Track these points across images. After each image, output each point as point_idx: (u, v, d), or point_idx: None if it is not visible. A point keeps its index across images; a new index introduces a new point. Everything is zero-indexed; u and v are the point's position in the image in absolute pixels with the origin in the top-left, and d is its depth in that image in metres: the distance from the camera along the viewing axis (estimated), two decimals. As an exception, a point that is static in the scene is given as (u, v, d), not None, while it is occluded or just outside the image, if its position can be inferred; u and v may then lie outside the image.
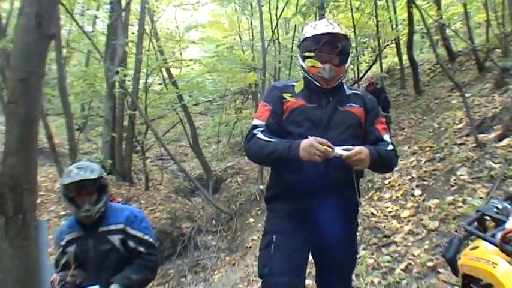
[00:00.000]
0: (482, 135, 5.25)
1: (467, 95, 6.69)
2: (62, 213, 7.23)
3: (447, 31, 11.02)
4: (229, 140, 14.61)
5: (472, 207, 3.89)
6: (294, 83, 2.10)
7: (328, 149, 1.86)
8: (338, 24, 2.19)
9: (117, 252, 2.38)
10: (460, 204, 4.20)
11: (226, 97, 14.78)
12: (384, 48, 12.98)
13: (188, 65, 13.59)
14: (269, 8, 11.47)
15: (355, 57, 11.82)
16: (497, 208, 1.71)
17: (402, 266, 3.76)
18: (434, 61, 11.58)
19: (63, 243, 2.39)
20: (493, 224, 1.75)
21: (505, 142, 4.76)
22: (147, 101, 10.38)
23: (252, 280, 5.00)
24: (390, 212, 4.92)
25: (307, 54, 2.06)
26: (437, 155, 5.56)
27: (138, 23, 10.48)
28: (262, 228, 2.24)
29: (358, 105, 2.17)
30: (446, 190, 4.63)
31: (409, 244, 4.08)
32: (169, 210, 9.27)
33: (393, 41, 12.26)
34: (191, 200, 10.93)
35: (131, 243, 2.39)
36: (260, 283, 2.10)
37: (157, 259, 2.49)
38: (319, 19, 10.21)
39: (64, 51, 10.17)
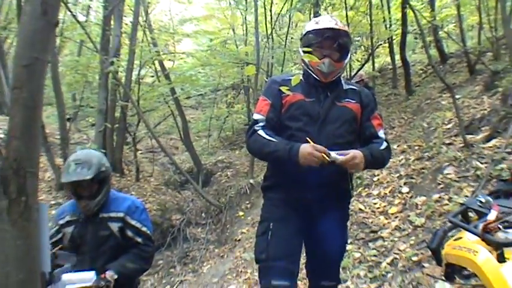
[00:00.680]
0: (470, 135, 5.37)
1: (457, 96, 6.80)
2: (53, 202, 7.22)
3: (440, 33, 11.15)
4: (220, 134, 14.63)
5: (458, 205, 3.99)
6: (292, 77, 2.17)
7: (326, 157, 1.93)
8: (341, 21, 2.26)
9: (114, 239, 2.43)
10: (446, 202, 4.31)
11: (218, 91, 14.79)
12: (377, 47, 13.08)
13: (181, 58, 13.56)
14: (264, 3, 11.50)
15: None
16: (481, 202, 1.79)
17: (388, 260, 3.86)
18: (426, 62, 11.70)
19: (61, 222, 2.44)
20: (476, 217, 1.84)
21: (492, 143, 4.88)
22: (139, 93, 10.35)
23: (241, 271, 5.07)
24: (378, 208, 5.02)
25: (305, 49, 2.13)
26: (426, 154, 5.67)
27: (132, 14, 10.42)
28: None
29: (354, 101, 2.24)
30: (433, 188, 4.74)
31: (396, 239, 4.18)
32: (160, 202, 9.29)
33: (386, 41, 12.36)
34: (181, 192, 10.95)
35: (129, 233, 2.44)
36: (257, 268, 2.19)
37: (153, 251, 2.55)
38: (314, 16, 10.32)
39: (57, 40, 10.11)
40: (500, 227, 1.54)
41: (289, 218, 2.18)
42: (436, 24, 9.61)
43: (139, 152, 13.41)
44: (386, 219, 4.69)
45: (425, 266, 3.48)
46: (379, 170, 5.85)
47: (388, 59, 13.03)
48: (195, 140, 14.29)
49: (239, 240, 6.59)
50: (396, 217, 4.62)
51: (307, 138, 2.01)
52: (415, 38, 14.70)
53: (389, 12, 12.28)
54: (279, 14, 10.44)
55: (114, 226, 2.43)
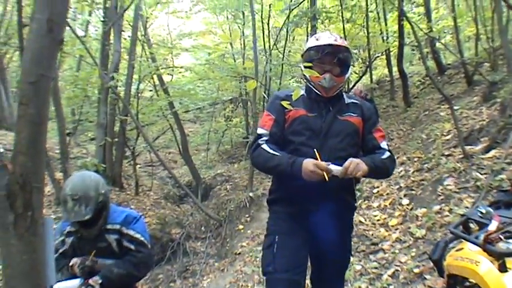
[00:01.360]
0: (470, 146, 5.39)
1: (455, 107, 6.85)
2: (53, 216, 7.19)
3: (437, 44, 11.25)
4: (219, 148, 14.65)
5: (458, 216, 4.00)
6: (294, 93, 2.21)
7: (326, 173, 1.96)
8: (340, 37, 2.31)
9: (111, 250, 2.44)
10: (447, 213, 4.32)
11: (216, 105, 14.84)
12: (374, 59, 13.19)
13: (180, 72, 13.64)
14: (261, 17, 11.61)
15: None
16: (481, 213, 1.81)
17: (389, 272, 3.86)
18: (423, 73, 11.79)
19: (65, 232, 2.47)
20: (477, 227, 1.86)
21: (491, 154, 4.91)
22: (138, 107, 10.40)
23: (241, 285, 5.05)
24: (378, 220, 5.03)
25: (306, 64, 2.17)
26: (425, 165, 5.69)
27: (131, 29, 10.52)
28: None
29: (356, 115, 2.27)
30: (433, 199, 4.75)
31: (397, 251, 4.18)
32: (159, 216, 9.26)
33: (383, 53, 12.47)
34: (180, 206, 10.93)
35: (125, 242, 2.45)
36: (264, 281, 2.21)
37: (144, 257, 2.50)
38: (311, 29, 10.43)
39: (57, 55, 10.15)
40: (502, 237, 1.55)
41: (294, 231, 2.20)
42: (433, 36, 9.68)
43: (139, 166, 13.39)
44: (387, 231, 4.69)
45: (427, 278, 3.48)
46: (379, 182, 5.87)
47: (386, 70, 13.12)
48: (193, 153, 14.30)
49: (239, 253, 6.57)
50: (397, 229, 4.63)
51: (315, 151, 2.04)
52: (412, 50, 14.82)
53: (386, 25, 12.40)
54: (280, 28, 10.51)
55: (111, 238, 2.45)
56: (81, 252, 2.45)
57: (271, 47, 11.02)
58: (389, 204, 5.25)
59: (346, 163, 1.97)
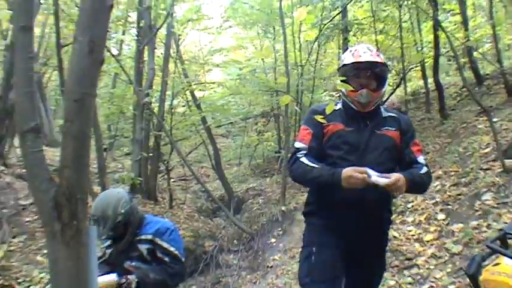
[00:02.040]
0: (509, 160, 5.23)
1: (494, 119, 6.66)
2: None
3: (474, 53, 10.91)
4: (251, 162, 14.72)
5: (497, 232, 3.89)
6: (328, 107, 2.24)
7: (366, 176, 1.98)
8: (377, 50, 2.32)
9: (144, 260, 2.53)
10: (485, 228, 4.20)
11: (248, 119, 14.96)
12: (409, 71, 12.95)
13: (211, 88, 13.87)
14: (292, 31, 11.70)
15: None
16: (520, 227, 1.78)
17: (424, 288, 3.78)
18: (460, 84, 11.47)
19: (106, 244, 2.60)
20: (515, 242, 1.82)
21: (531, 167, 4.75)
22: (172, 123, 10.64)
23: (274, 299, 5.04)
24: (413, 235, 4.94)
25: (341, 78, 2.20)
26: (463, 179, 5.55)
27: (164, 46, 10.82)
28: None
29: (394, 129, 2.28)
30: (470, 215, 4.63)
31: (432, 267, 4.09)
32: (193, 229, 9.39)
33: (418, 64, 12.23)
34: (213, 219, 11.04)
35: (158, 254, 2.53)
36: None
37: (179, 269, 2.58)
38: (343, 42, 10.41)
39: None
40: (540, 252, 1.52)
41: (331, 243, 2.23)
42: (470, 45, 9.41)
43: (172, 180, 13.63)
44: (422, 246, 4.60)
45: (463, 295, 3.40)
46: (414, 196, 5.76)
47: (421, 82, 12.86)
48: (226, 168, 14.43)
49: (271, 266, 6.57)
50: (432, 244, 4.53)
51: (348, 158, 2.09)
52: (449, 60, 14.47)
53: (420, 35, 12.17)
54: (312, 42, 10.52)
55: (143, 248, 2.55)
56: (118, 262, 2.55)
57: (302, 60, 11.07)
58: (425, 219, 5.14)
59: (394, 179, 1.98)
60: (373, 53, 2.26)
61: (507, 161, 5.12)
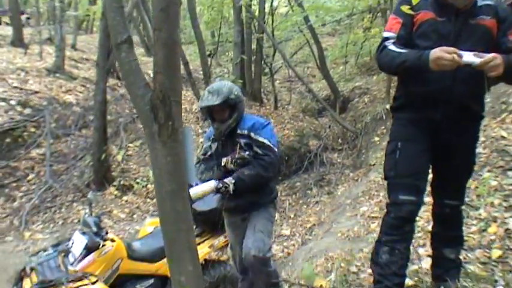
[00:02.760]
0: None
1: None
2: (200, 131, 8.08)
3: None
4: (357, 60, 14.19)
5: None
6: None
7: (456, 56, 1.86)
8: None
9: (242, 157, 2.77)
10: None
11: (353, 16, 14.14)
12: None
13: (314, -15, 13.20)
14: None
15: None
16: None
17: (528, 188, 3.59)
18: None
19: (211, 139, 2.93)
20: None
21: None
22: (273, 24, 10.54)
23: (373, 194, 5.20)
24: (523, 134, 4.57)
25: None
26: None
27: None
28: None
29: (489, 17, 2.10)
30: None
31: (540, 167, 3.83)
32: (297, 129, 9.70)
33: None
34: (318, 119, 11.21)
35: (254, 147, 2.74)
36: (386, 186, 2.33)
37: (272, 159, 2.71)
38: None
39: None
40: None
41: (417, 137, 2.22)
42: None
43: (278, 81, 13.87)
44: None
45: None
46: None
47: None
48: (332, 67, 14.16)
49: (373, 164, 6.65)
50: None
51: None
52: None
53: None
54: None
55: (242, 141, 2.77)
56: (224, 154, 2.83)
57: None
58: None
59: (490, 56, 1.86)
60: None
61: None
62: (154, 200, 4.80)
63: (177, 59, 1.86)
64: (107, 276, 2.83)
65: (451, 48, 1.87)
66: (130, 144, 7.35)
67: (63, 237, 4.78)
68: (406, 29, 2.16)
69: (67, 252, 2.88)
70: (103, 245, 2.82)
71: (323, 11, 12.30)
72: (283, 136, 9.03)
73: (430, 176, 2.34)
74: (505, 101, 5.31)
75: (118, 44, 1.76)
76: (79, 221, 5.04)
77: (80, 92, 8.69)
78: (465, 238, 2.95)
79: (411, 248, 2.26)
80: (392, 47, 2.13)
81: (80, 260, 2.75)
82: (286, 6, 12.35)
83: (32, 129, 7.01)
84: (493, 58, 1.84)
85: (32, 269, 2.70)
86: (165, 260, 2.28)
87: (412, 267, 2.79)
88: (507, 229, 3.07)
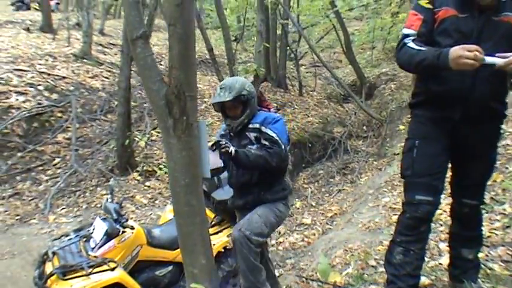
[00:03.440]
0: None
1: None
2: (218, 123, 8.09)
3: None
4: (384, 46, 13.90)
5: None
6: None
7: (478, 54, 1.78)
8: None
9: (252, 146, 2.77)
10: None
11: (381, 0, 13.80)
12: None
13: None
14: None
15: None
16: None
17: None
18: None
19: (222, 133, 2.95)
20: None
21: None
22: (298, 9, 10.39)
23: (396, 185, 5.12)
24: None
25: None
26: None
27: None
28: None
29: None
30: None
31: None
32: (322, 115, 9.62)
33: None
34: (343, 106, 11.07)
35: (262, 140, 2.73)
36: (402, 185, 2.26)
37: (276, 152, 2.65)
38: None
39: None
40: None
41: (435, 136, 2.15)
42: None
43: (304, 67, 13.74)
44: None
45: None
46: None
47: None
48: (358, 52, 13.93)
49: (398, 154, 6.53)
50: None
51: None
52: None
53: None
54: None
55: (252, 135, 2.78)
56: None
57: None
58: None
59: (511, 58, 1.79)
60: None
61: None
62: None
63: (192, 54, 1.86)
64: (127, 262, 2.90)
65: (473, 46, 1.79)
66: (154, 131, 7.43)
67: (86, 221, 4.90)
68: (427, 26, 2.08)
69: (88, 237, 2.95)
70: (123, 232, 2.88)
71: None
72: (307, 123, 8.96)
73: (449, 174, 2.27)
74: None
75: (133, 39, 1.77)
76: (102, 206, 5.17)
77: (106, 78, 8.82)
78: (488, 234, 2.89)
79: (432, 242, 2.22)
80: (411, 45, 2.06)
81: (101, 246, 2.81)
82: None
83: (59, 114, 7.18)
84: None
85: (54, 253, 2.78)
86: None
87: (430, 263, 2.75)
88: (533, 226, 2.98)
